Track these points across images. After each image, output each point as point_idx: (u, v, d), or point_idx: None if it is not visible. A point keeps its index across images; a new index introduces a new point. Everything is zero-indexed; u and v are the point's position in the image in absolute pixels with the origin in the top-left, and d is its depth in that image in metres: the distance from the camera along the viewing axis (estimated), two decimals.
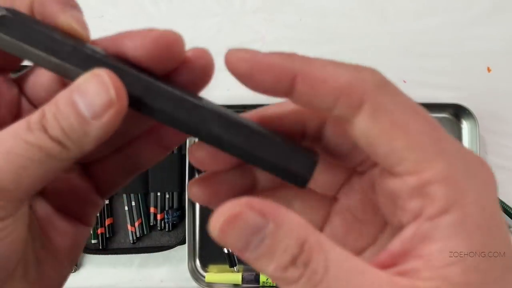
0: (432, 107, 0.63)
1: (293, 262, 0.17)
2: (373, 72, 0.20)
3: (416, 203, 0.18)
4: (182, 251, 0.63)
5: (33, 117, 0.19)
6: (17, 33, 0.20)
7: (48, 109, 0.19)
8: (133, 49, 0.21)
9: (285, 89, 0.19)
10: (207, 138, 0.20)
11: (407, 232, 0.18)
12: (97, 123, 0.19)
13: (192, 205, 0.64)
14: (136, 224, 0.64)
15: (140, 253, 0.64)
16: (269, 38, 0.68)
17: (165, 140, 0.24)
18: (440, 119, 0.65)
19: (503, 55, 0.66)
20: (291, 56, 0.20)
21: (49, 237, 0.23)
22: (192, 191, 0.23)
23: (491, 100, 0.65)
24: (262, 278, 0.62)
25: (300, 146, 0.21)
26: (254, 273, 0.62)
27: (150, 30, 0.21)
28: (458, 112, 0.64)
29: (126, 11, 0.69)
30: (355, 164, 0.23)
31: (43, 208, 0.23)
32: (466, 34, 0.67)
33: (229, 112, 0.21)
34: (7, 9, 0.20)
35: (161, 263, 0.65)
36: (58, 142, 0.19)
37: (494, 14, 0.67)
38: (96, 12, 0.69)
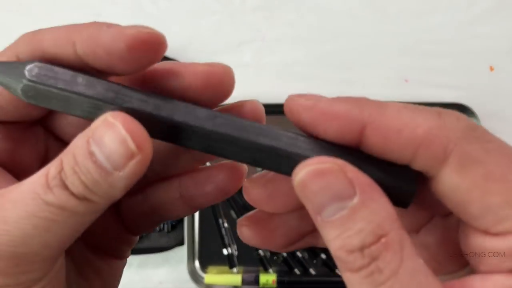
0: (433, 106, 0.62)
1: (361, 249, 0.15)
2: (458, 116, 0.17)
3: None
4: (182, 252, 0.63)
5: (51, 171, 0.17)
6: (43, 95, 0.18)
7: (66, 161, 0.17)
8: (180, 89, 0.19)
9: (353, 140, 0.17)
10: (269, 168, 0.18)
11: (497, 281, 0.16)
12: (122, 174, 0.17)
13: None
14: None
15: (138, 254, 0.64)
16: (269, 37, 0.67)
17: (194, 202, 0.22)
18: None
19: (506, 54, 0.66)
20: (360, 102, 0.17)
21: (85, 277, 0.22)
22: (243, 233, 0.21)
23: (493, 100, 0.65)
24: (262, 279, 0.61)
25: (391, 161, 0.18)
26: (254, 275, 0.61)
27: (197, 65, 0.19)
28: (460, 111, 0.63)
29: (124, 9, 0.68)
30: (439, 212, 0.20)
31: (77, 248, 0.22)
32: (469, 33, 0.66)
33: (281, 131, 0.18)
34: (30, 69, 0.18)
35: (160, 264, 0.64)
36: (83, 199, 0.17)
37: (496, 13, 0.66)
38: (93, 10, 0.68)
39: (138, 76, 0.20)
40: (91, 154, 0.17)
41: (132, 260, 0.64)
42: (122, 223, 0.23)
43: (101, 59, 0.18)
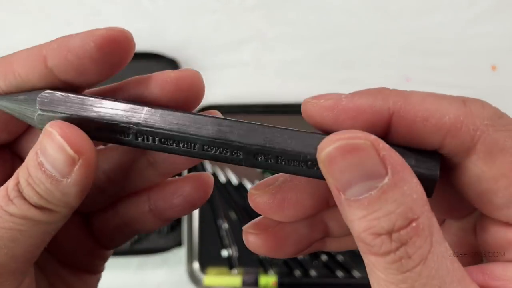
0: None
1: (390, 233, 0.15)
2: (483, 104, 0.17)
3: None
4: (181, 253, 0.62)
5: (10, 184, 0.18)
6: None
7: (21, 174, 0.18)
8: (152, 98, 0.19)
9: (381, 132, 0.17)
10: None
11: None
12: (70, 180, 0.17)
13: None
14: None
15: (137, 255, 0.63)
16: (268, 35, 0.67)
17: (163, 215, 0.23)
18: None
19: (508, 53, 0.65)
20: (382, 92, 0.17)
21: None
22: (250, 242, 0.20)
23: (495, 99, 0.63)
24: (262, 281, 0.61)
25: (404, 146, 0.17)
26: (254, 276, 0.61)
27: (166, 72, 0.19)
28: None
29: (123, 8, 0.68)
30: (453, 215, 0.20)
31: (50, 264, 0.22)
32: (471, 32, 0.66)
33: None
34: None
35: (159, 266, 0.64)
36: (41, 208, 0.17)
37: (499, 11, 0.66)
38: (92, 9, 0.68)
39: (108, 88, 0.20)
40: (40, 164, 0.17)
41: (131, 262, 0.64)
42: (94, 238, 0.23)
43: (73, 65, 0.18)
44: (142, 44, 0.66)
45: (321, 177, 0.17)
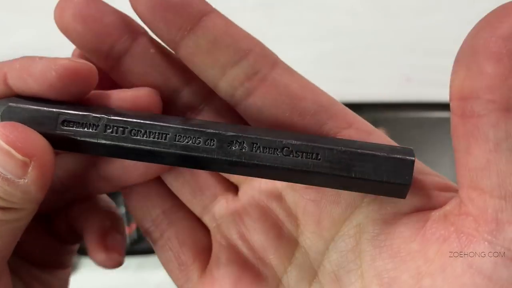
0: (436, 106, 0.62)
1: None
2: None
3: None
4: None
5: None
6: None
7: None
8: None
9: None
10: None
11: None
12: (27, 180, 0.17)
13: None
14: (133, 225, 0.63)
15: (137, 255, 0.63)
16: (268, 35, 0.67)
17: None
18: (445, 119, 0.64)
19: None
20: None
21: None
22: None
23: None
24: None
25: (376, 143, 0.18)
26: None
27: (123, 91, 0.20)
28: None
29: (123, 8, 0.68)
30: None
31: (22, 266, 0.23)
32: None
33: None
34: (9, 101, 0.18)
35: (159, 266, 0.63)
36: (4, 209, 0.17)
37: None
38: None
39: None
40: None
41: (130, 263, 0.64)
42: (57, 236, 0.24)
43: (32, 89, 0.18)
44: None
45: (298, 166, 0.17)
